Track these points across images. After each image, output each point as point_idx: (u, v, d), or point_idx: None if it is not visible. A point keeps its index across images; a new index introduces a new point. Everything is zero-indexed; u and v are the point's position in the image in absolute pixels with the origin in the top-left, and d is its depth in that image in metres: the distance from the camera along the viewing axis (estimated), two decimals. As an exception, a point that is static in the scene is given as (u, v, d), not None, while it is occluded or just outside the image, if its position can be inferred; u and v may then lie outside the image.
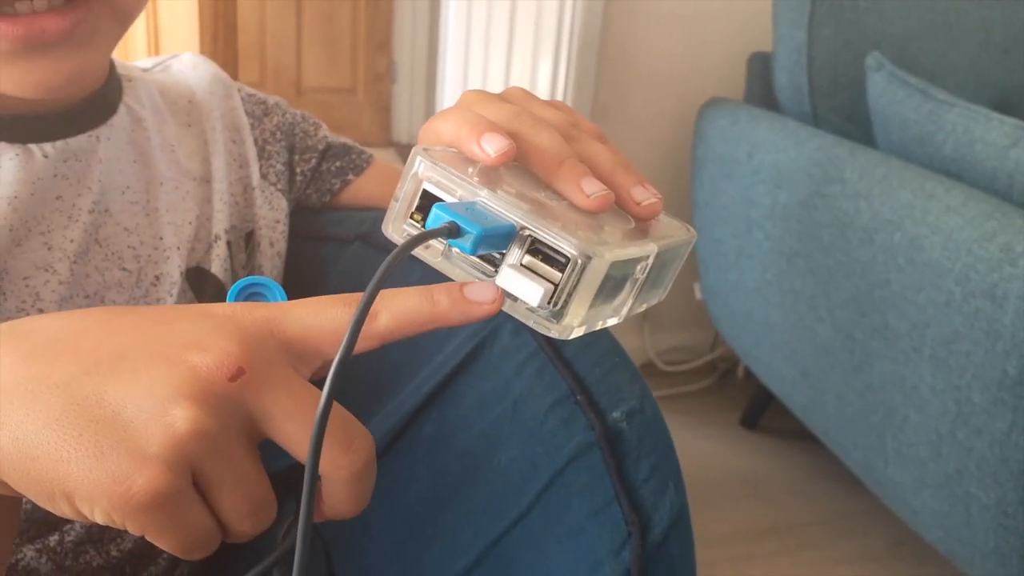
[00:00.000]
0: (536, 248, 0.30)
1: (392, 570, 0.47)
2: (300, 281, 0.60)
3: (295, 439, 0.29)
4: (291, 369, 0.29)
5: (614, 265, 0.30)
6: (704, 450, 1.64)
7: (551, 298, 0.30)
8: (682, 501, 0.44)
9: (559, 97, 1.65)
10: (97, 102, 0.49)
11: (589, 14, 1.56)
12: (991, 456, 0.95)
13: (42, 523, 0.47)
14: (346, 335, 0.27)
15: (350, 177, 0.64)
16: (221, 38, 0.95)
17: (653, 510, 0.43)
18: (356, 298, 0.30)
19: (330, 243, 0.59)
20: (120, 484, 0.26)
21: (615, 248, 0.31)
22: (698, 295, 1.68)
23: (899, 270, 1.03)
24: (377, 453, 0.44)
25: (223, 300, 0.50)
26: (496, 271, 0.31)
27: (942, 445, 1.01)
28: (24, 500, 0.44)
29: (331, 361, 0.27)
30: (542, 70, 1.71)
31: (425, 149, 0.33)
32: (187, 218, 0.54)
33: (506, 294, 0.31)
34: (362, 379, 0.49)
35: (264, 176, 0.60)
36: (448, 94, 2.52)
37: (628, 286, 0.34)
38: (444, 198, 0.31)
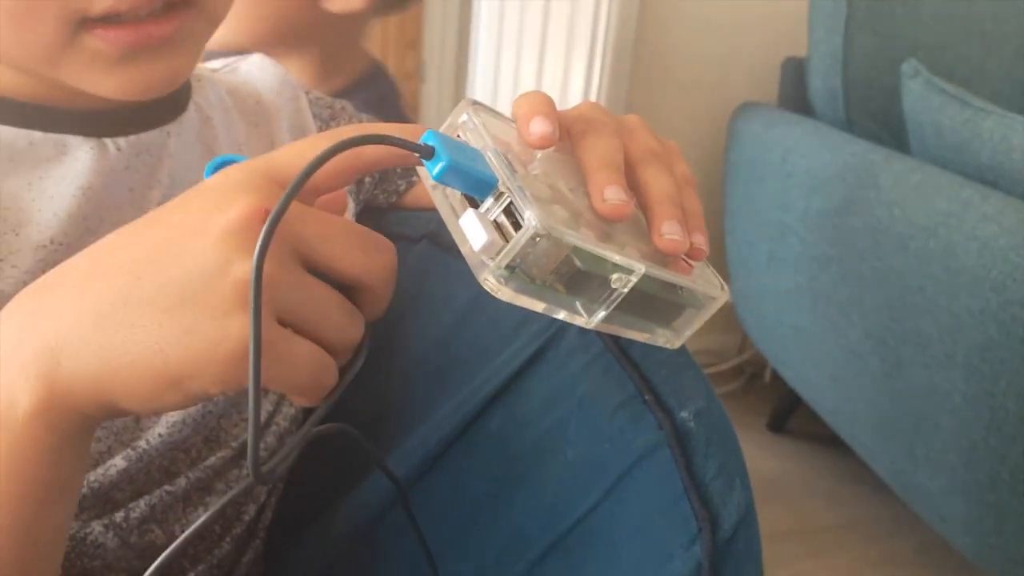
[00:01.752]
0: (509, 210, 0.32)
1: (455, 561, 0.49)
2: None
3: (338, 255, 0.31)
4: (301, 203, 0.31)
5: (575, 250, 0.31)
6: (730, 453, 1.64)
7: (497, 252, 0.31)
8: (749, 499, 0.45)
9: (593, 96, 1.66)
10: (168, 100, 0.51)
11: (624, 17, 1.57)
12: (1024, 464, 0.95)
13: (107, 500, 0.48)
14: (287, 189, 0.28)
15: (415, 178, 0.66)
16: None
17: (722, 506, 0.44)
18: (336, 134, 0.31)
19: (398, 242, 0.61)
20: (220, 344, 0.28)
21: (578, 238, 0.32)
22: (727, 298, 1.68)
23: (933, 277, 1.04)
24: (444, 447, 0.45)
25: None
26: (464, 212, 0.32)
27: (974, 452, 1.02)
28: (88, 477, 0.45)
29: (327, 193, 0.31)
30: (575, 72, 1.72)
31: (475, 103, 0.34)
32: None
33: (461, 233, 0.32)
34: (428, 374, 0.50)
35: None
36: (478, 94, 2.53)
37: (599, 290, 0.34)
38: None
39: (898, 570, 1.36)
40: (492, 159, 0.32)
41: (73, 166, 0.46)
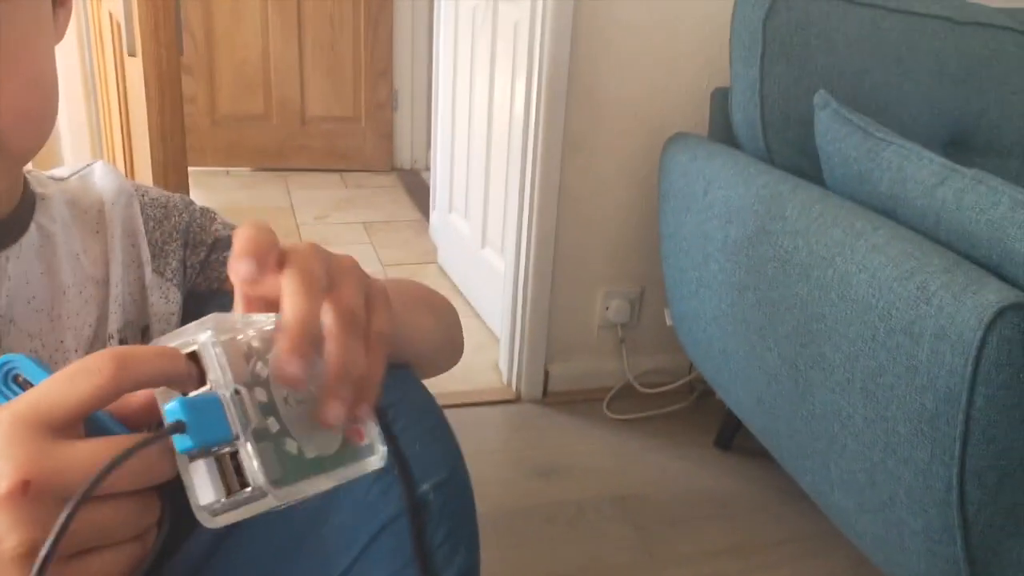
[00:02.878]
0: (235, 456, 0.35)
1: None
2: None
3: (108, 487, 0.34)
4: (65, 444, 0.34)
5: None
6: (676, 470, 1.68)
7: (219, 510, 0.35)
8: (471, 562, 0.51)
9: (532, 125, 1.71)
10: (8, 223, 0.56)
11: (557, 49, 1.62)
12: (916, 484, 0.99)
13: None
14: (59, 522, 0.31)
15: None
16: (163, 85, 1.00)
17: (443, 570, 0.49)
18: (94, 363, 0.34)
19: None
20: None
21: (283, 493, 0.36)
22: (668, 321, 1.73)
23: (832, 305, 1.08)
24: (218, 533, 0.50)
25: None
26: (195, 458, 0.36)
27: (876, 473, 1.06)
28: None
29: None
30: (518, 102, 1.78)
31: (217, 320, 0.37)
32: (87, 320, 0.61)
33: (189, 478, 0.36)
34: None
35: (161, 273, 0.67)
36: (441, 123, 2.59)
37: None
38: (205, 371, 0.36)
39: (837, 583, 1.40)
40: (228, 407, 0.35)
41: None
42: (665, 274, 1.61)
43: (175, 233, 0.69)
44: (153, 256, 0.67)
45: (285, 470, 0.36)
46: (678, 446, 1.76)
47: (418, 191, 3.37)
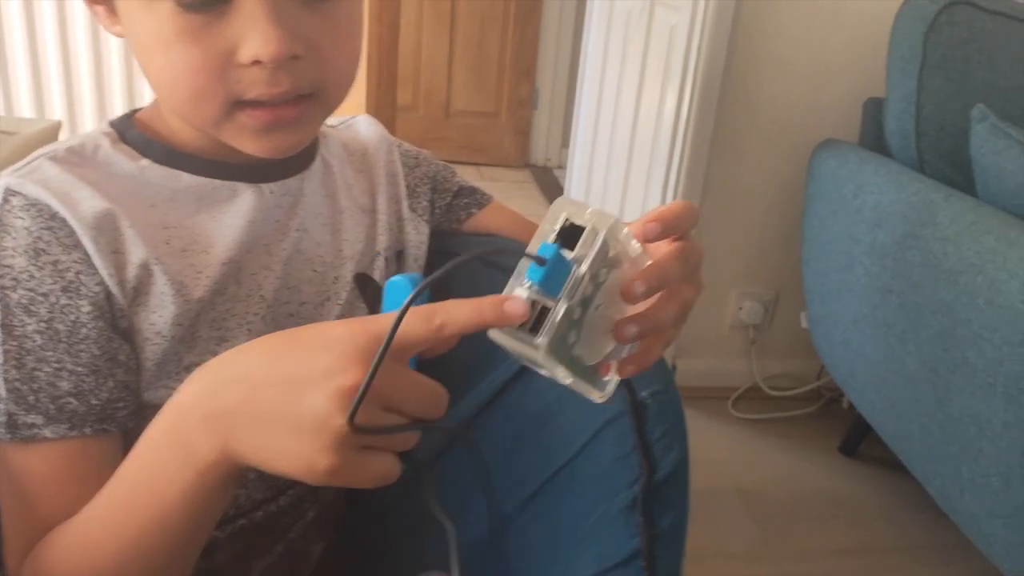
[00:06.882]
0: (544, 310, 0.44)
1: (469, 498, 0.66)
2: (433, 285, 0.77)
3: (409, 408, 0.44)
4: (401, 368, 0.44)
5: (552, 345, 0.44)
6: (799, 471, 1.72)
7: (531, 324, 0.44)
8: (683, 456, 0.61)
9: (681, 129, 1.77)
10: (302, 154, 0.69)
11: (713, 55, 1.68)
12: (1054, 489, 1.01)
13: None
14: (378, 353, 0.41)
15: (474, 211, 0.84)
16: (383, 65, 1.12)
17: (660, 460, 0.60)
18: (430, 312, 0.43)
19: (455, 258, 0.78)
20: (313, 468, 0.43)
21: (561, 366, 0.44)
22: (804, 324, 1.76)
23: (979, 310, 1.11)
24: (474, 413, 0.62)
25: (380, 296, 0.68)
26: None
27: (1012, 477, 1.08)
28: None
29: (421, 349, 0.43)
30: (668, 104, 1.84)
31: (612, 227, 0.45)
32: (358, 237, 0.73)
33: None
34: (472, 358, 0.65)
35: (413, 209, 0.79)
36: (582, 122, 2.68)
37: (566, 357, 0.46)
38: (581, 242, 0.44)
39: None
40: (573, 278, 0.43)
41: (242, 205, 0.65)
42: (805, 276, 1.64)
43: (425, 179, 0.82)
44: (408, 195, 0.79)
45: (557, 345, 0.44)
46: (802, 449, 1.79)
47: (550, 188, 3.47)
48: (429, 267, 0.78)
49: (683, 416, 0.62)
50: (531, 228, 0.85)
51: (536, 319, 0.43)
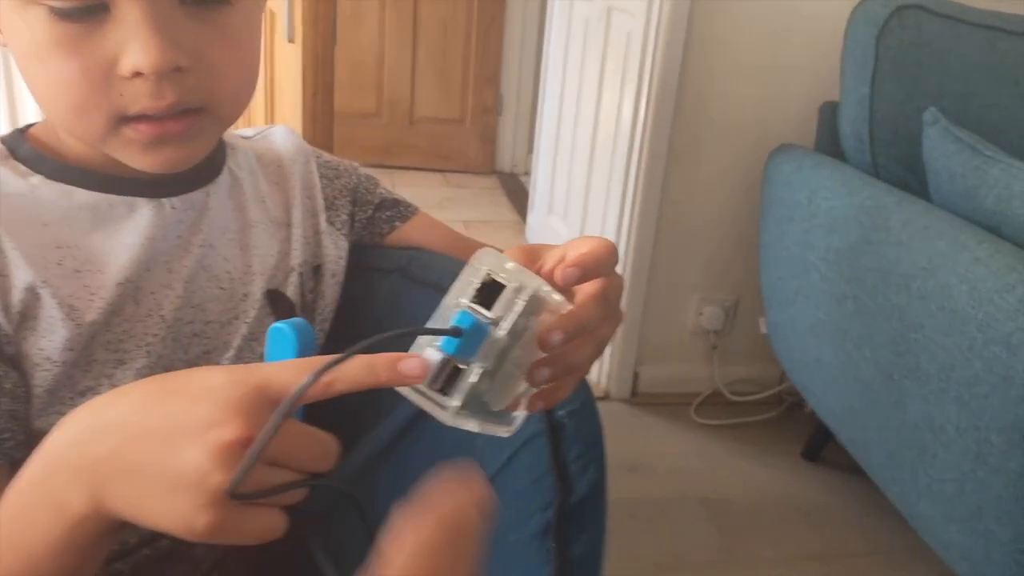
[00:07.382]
0: (455, 371, 0.42)
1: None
2: (352, 301, 0.77)
3: (296, 462, 0.41)
4: (287, 421, 0.40)
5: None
6: (762, 477, 1.71)
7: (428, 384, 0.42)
8: (600, 476, 0.59)
9: (638, 134, 1.77)
10: (207, 167, 0.66)
11: (668, 60, 1.68)
12: (1007, 494, 1.01)
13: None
14: (271, 420, 0.38)
15: (397, 224, 0.82)
16: (318, 74, 1.10)
17: (575, 482, 0.58)
18: (319, 364, 0.40)
19: (376, 273, 0.75)
20: (192, 525, 0.39)
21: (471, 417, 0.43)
22: (763, 329, 1.75)
23: (931, 315, 1.10)
24: (391, 443, 0.59)
25: (293, 315, 0.65)
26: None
27: (965, 482, 1.08)
28: None
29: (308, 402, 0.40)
30: (625, 110, 1.83)
31: (531, 286, 0.44)
32: (271, 252, 0.70)
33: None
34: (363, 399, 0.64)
35: (331, 223, 0.77)
36: (546, 129, 2.67)
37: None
38: (486, 311, 0.42)
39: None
40: (489, 343, 0.42)
41: (140, 221, 0.62)
42: (763, 282, 1.64)
43: (345, 191, 0.79)
44: (326, 208, 0.77)
45: (469, 404, 0.42)
46: (765, 454, 1.79)
47: (517, 194, 3.46)
48: (348, 282, 0.76)
49: (601, 436, 0.61)
50: (458, 242, 0.83)
51: (447, 377, 0.41)
